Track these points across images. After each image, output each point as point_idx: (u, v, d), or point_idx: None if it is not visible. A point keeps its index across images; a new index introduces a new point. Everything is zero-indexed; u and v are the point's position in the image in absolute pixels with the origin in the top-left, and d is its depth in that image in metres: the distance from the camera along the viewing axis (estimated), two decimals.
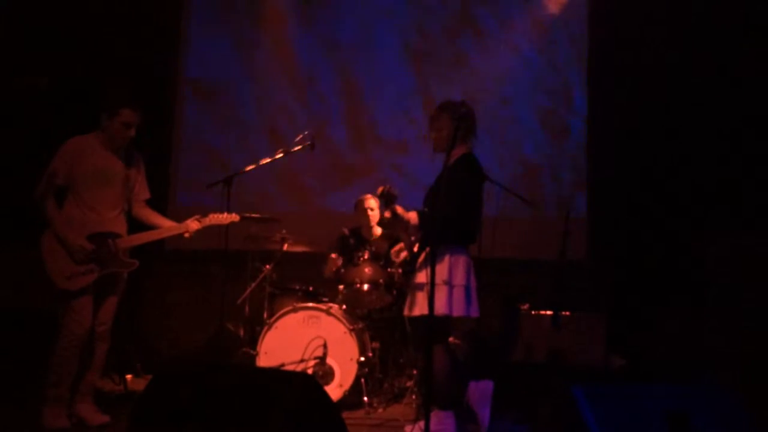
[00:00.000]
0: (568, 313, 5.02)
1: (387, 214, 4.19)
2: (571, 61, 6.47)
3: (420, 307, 4.13)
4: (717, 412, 2.81)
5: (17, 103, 5.61)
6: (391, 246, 4.99)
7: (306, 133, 5.14)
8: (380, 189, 4.10)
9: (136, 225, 4.38)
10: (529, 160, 6.41)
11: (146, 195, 4.44)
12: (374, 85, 6.65)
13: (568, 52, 6.47)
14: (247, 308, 5.20)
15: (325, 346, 4.77)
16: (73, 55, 5.76)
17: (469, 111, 4.26)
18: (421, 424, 3.53)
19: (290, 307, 4.91)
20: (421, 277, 4.16)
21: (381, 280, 4.99)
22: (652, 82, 5.89)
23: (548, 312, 5.04)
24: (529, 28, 6.51)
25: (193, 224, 4.34)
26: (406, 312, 4.28)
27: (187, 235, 4.35)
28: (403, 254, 4.44)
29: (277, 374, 3.88)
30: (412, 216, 4.19)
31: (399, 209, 4.16)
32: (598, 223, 6.20)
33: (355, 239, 5.37)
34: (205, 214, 4.40)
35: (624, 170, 6.03)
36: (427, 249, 4.17)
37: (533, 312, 5.10)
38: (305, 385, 3.21)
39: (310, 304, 4.94)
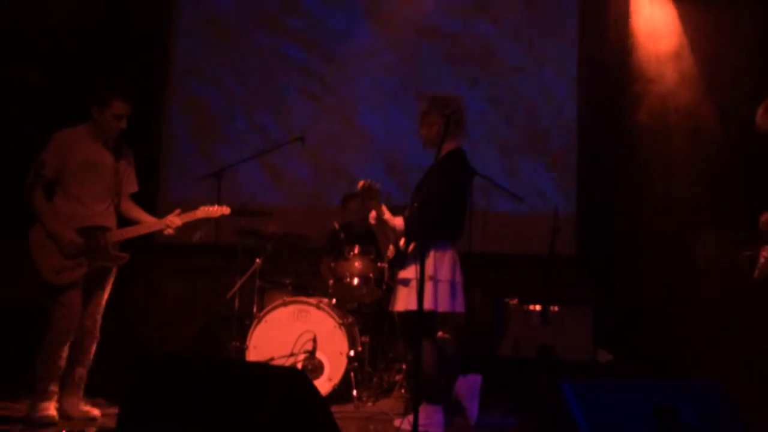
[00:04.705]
0: (556, 308, 5.04)
1: (372, 216, 4.22)
2: (559, 55, 6.49)
3: (404, 302, 4.16)
4: (704, 406, 2.83)
5: (6, 95, 5.57)
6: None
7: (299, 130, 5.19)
8: (361, 183, 4.11)
9: (122, 219, 4.36)
10: (519, 155, 6.43)
11: (134, 188, 4.41)
12: (366, 79, 6.65)
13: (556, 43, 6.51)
14: (237, 302, 5.20)
15: (314, 340, 4.78)
16: (62, 47, 5.73)
17: (459, 107, 4.28)
18: (410, 417, 3.55)
19: (280, 301, 4.91)
20: (406, 272, 4.19)
21: (371, 275, 5.00)
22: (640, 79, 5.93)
23: (537, 307, 5.06)
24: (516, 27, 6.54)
25: (174, 220, 4.27)
26: (390, 307, 4.31)
27: (168, 231, 4.29)
28: (390, 249, 4.47)
29: (266, 368, 3.88)
30: (398, 222, 4.21)
31: (385, 213, 4.19)
32: (587, 219, 6.23)
33: (345, 234, 5.37)
34: (195, 208, 4.38)
35: (613, 166, 6.06)
36: (413, 244, 4.19)
37: (522, 307, 5.12)
38: (294, 380, 3.22)
39: (300, 298, 4.95)
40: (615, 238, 5.94)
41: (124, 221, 4.34)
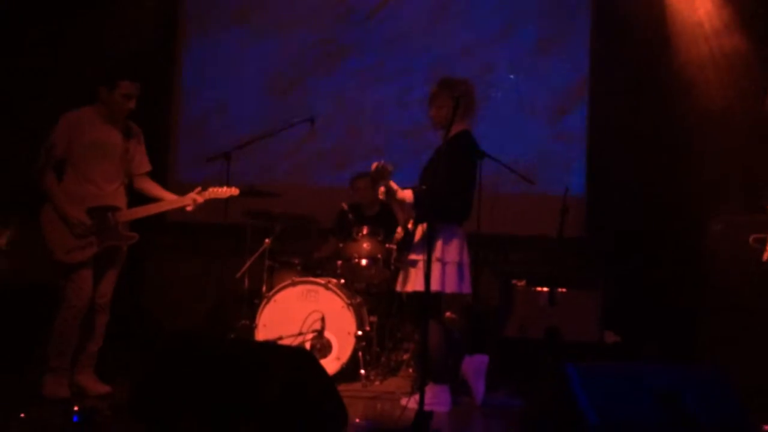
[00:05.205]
0: (564, 289, 5.05)
1: (381, 191, 4.20)
2: (572, 36, 6.45)
3: (412, 283, 4.18)
4: (708, 392, 2.85)
5: (14, 77, 5.60)
6: (389, 224, 5.03)
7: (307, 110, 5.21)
8: (374, 165, 4.10)
9: (137, 198, 4.40)
10: (528, 137, 6.40)
11: (147, 167, 4.45)
12: (376, 59, 6.63)
13: (569, 32, 6.47)
14: (246, 281, 5.24)
15: (323, 319, 4.82)
16: (69, 31, 5.74)
17: (469, 89, 4.27)
18: (417, 397, 3.58)
19: (289, 281, 4.95)
20: (414, 253, 4.20)
21: (379, 255, 5.03)
22: (654, 62, 5.88)
23: (544, 288, 5.07)
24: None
25: (197, 198, 4.34)
26: (398, 287, 4.33)
27: (189, 208, 4.36)
28: (398, 230, 4.49)
29: (274, 348, 3.93)
30: (407, 194, 4.20)
31: (393, 186, 4.17)
32: (596, 201, 6.22)
33: (354, 215, 5.40)
34: (205, 188, 4.41)
35: (624, 147, 6.03)
36: (421, 226, 4.20)
37: (529, 288, 5.13)
38: (301, 359, 3.27)
39: (309, 279, 4.99)
40: (624, 221, 5.92)
41: (136, 201, 4.37)
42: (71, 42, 5.69)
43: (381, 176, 4.12)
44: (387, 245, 5.02)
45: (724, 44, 5.48)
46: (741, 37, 5.41)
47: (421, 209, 4.21)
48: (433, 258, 4.02)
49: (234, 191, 4.49)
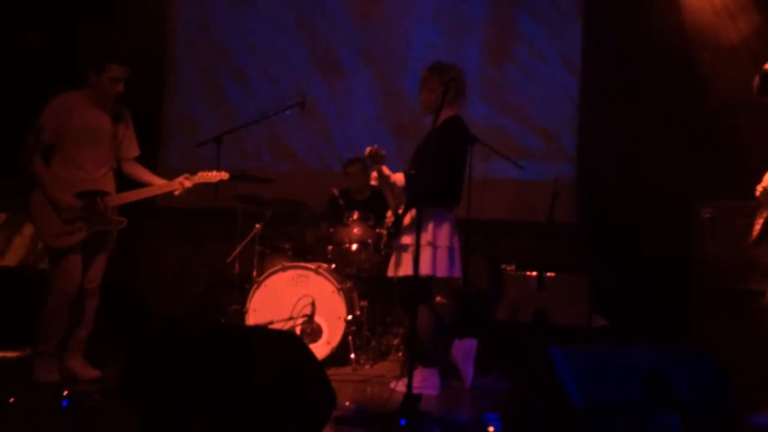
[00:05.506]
0: (553, 274, 5.07)
1: (373, 175, 4.22)
2: (565, 22, 6.44)
3: (404, 268, 4.20)
4: (694, 374, 2.87)
5: (6, 59, 5.57)
6: (380, 209, 5.04)
7: (297, 91, 5.17)
8: (368, 149, 4.12)
9: (126, 182, 4.38)
10: (519, 122, 6.40)
11: (136, 152, 4.43)
12: (368, 46, 6.60)
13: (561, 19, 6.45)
14: (236, 266, 5.25)
15: (313, 304, 4.83)
16: (60, 10, 5.70)
17: (459, 73, 4.27)
18: (406, 380, 3.60)
19: (279, 266, 4.96)
20: (406, 238, 4.22)
21: (370, 240, 5.04)
22: (648, 49, 5.88)
23: (534, 273, 5.09)
24: None
25: (185, 182, 4.33)
26: (390, 272, 4.34)
27: (177, 193, 4.34)
28: (389, 215, 4.50)
29: (264, 332, 3.94)
30: (399, 177, 4.22)
31: (385, 170, 4.19)
32: (586, 186, 6.23)
33: (344, 200, 5.40)
34: (194, 173, 4.40)
35: (615, 133, 6.04)
36: (412, 211, 4.21)
37: (519, 272, 5.16)
38: (291, 344, 3.28)
39: (299, 263, 5.00)
40: (613, 207, 5.94)
41: (126, 185, 4.36)
42: (69, 38, 5.67)
43: (375, 160, 4.14)
44: (377, 230, 5.03)
45: (724, 30, 5.49)
46: (738, 24, 5.42)
47: (411, 194, 4.23)
48: (425, 242, 4.05)
49: (224, 175, 4.47)
